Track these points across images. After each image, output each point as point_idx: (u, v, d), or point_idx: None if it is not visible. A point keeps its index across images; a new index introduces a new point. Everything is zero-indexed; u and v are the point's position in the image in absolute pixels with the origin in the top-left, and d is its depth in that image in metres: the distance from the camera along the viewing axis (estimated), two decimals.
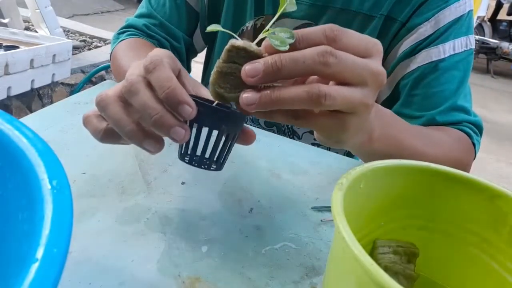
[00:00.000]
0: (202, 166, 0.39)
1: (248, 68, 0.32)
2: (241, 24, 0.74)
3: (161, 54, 0.37)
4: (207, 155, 0.39)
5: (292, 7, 0.36)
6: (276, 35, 0.32)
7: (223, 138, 0.38)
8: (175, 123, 0.34)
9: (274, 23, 0.37)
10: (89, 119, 0.39)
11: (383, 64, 0.39)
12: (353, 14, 0.66)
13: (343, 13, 0.66)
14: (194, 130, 0.38)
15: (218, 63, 0.34)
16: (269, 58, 0.32)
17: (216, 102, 0.37)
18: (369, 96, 0.34)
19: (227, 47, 0.33)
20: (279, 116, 0.36)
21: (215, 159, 0.39)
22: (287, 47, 0.32)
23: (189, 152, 0.39)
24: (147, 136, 0.36)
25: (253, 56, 0.33)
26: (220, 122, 0.37)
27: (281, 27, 0.33)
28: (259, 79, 0.32)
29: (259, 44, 0.34)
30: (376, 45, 0.35)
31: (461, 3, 0.63)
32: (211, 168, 0.39)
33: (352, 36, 0.33)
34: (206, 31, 0.38)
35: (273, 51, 0.33)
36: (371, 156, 0.48)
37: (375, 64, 0.34)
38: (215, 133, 0.37)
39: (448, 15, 0.63)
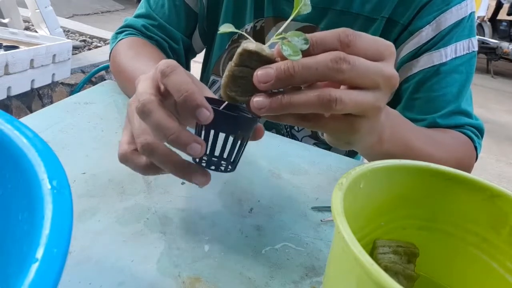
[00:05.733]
0: (219, 169, 0.39)
1: (260, 73, 0.32)
2: (240, 26, 0.73)
3: (173, 60, 0.37)
4: (223, 158, 0.39)
5: (307, 9, 0.35)
6: (288, 43, 0.32)
7: (239, 142, 0.38)
8: (191, 139, 0.34)
9: (285, 27, 0.36)
10: (127, 157, 0.39)
11: None
12: (354, 16, 0.66)
13: (344, 16, 0.66)
14: (205, 133, 0.38)
15: (229, 67, 0.34)
16: (281, 64, 0.32)
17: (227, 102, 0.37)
18: (381, 100, 0.34)
19: (239, 50, 0.33)
20: (289, 119, 0.36)
21: (231, 161, 0.39)
22: (299, 57, 0.31)
23: (205, 158, 0.39)
24: (193, 170, 0.37)
25: (265, 60, 0.33)
26: (236, 128, 0.37)
27: (293, 31, 0.33)
28: (271, 85, 0.32)
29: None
30: (389, 47, 0.35)
31: (462, 5, 0.63)
32: (228, 170, 0.40)
33: (366, 39, 0.33)
34: (218, 32, 0.37)
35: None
36: (380, 158, 0.48)
37: (388, 67, 0.34)
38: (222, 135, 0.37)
39: (449, 18, 0.63)
